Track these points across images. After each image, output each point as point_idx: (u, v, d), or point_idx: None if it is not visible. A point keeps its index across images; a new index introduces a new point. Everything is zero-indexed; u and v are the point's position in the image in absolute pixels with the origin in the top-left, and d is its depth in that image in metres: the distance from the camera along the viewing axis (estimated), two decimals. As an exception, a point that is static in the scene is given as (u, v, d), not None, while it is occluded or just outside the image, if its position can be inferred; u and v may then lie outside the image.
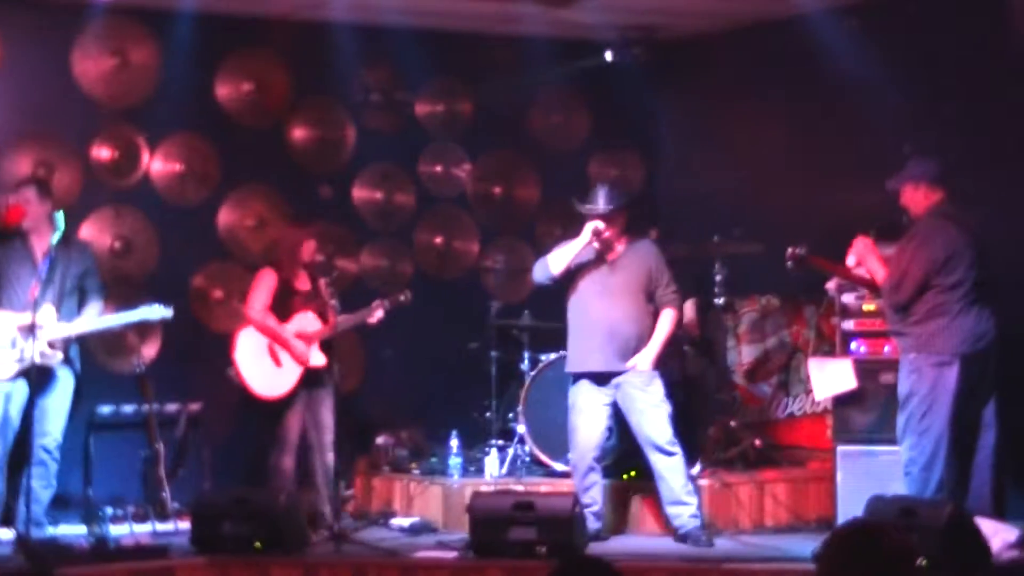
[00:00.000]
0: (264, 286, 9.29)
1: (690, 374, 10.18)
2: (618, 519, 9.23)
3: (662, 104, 11.26)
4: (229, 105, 10.47)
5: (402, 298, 9.41)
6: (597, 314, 8.71)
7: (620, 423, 8.92)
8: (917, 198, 8.23)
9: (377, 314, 9.32)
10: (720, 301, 10.12)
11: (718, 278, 10.06)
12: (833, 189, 9.99)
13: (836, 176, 9.95)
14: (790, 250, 8.36)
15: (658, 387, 8.70)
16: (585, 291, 8.79)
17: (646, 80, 11.14)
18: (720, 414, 10.13)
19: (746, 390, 10.81)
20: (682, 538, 8.67)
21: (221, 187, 10.43)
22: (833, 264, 8.59)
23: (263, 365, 9.24)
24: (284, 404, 9.22)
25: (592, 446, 8.72)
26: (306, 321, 9.27)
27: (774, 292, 10.62)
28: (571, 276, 8.82)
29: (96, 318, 9.00)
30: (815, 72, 9.95)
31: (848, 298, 9.03)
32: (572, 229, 10.96)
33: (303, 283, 9.40)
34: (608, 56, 10.77)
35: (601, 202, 8.74)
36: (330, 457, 9.22)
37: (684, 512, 8.65)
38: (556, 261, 8.79)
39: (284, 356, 9.21)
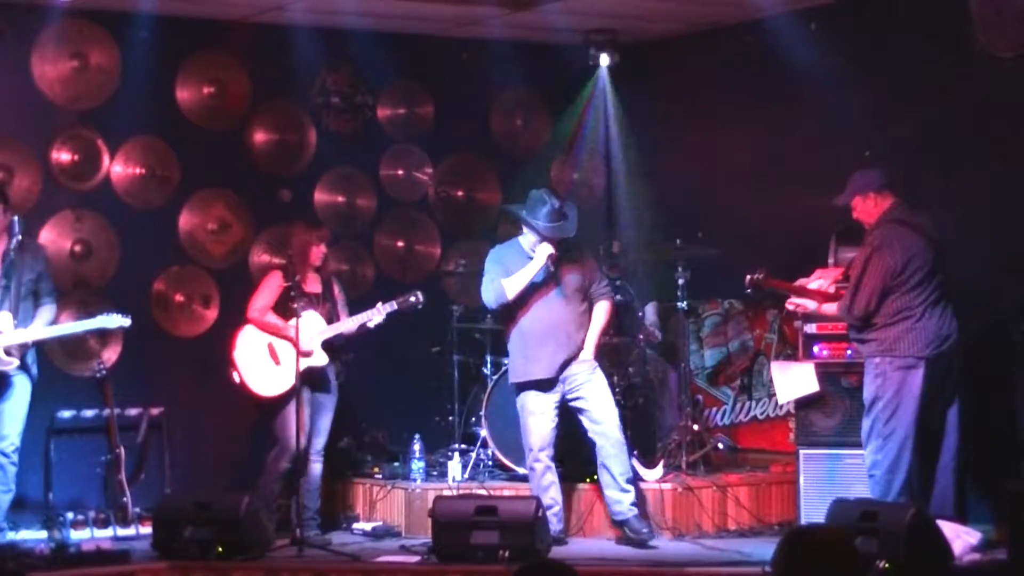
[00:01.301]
0: (269, 288, 9.34)
1: (652, 377, 10.24)
2: (580, 521, 9.28)
3: (624, 107, 11.25)
4: (189, 108, 10.42)
5: (412, 299, 9.41)
6: (540, 322, 8.88)
7: (572, 422, 9.01)
8: (868, 209, 8.31)
9: (377, 317, 9.32)
10: (682, 305, 10.12)
11: (680, 282, 10.05)
12: (796, 193, 10.00)
13: (798, 180, 9.98)
14: (748, 276, 8.43)
15: (601, 376, 8.94)
16: (529, 302, 8.90)
17: (607, 83, 11.18)
18: (682, 417, 10.12)
19: (708, 393, 10.86)
20: (620, 526, 8.77)
21: (182, 190, 10.37)
22: (789, 285, 8.67)
23: (262, 364, 9.27)
24: (284, 404, 9.19)
25: (546, 445, 8.83)
26: (311, 321, 9.25)
27: (736, 296, 10.63)
28: (521, 294, 8.90)
29: (54, 326, 8.95)
30: (777, 76, 9.99)
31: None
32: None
33: (313, 285, 9.41)
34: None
35: (570, 227, 8.84)
36: (318, 466, 9.25)
37: (625, 500, 8.78)
38: (512, 287, 8.87)
39: (284, 355, 9.21)
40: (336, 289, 9.53)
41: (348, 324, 9.32)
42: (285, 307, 9.23)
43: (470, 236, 11.49)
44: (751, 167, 10.54)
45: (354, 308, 9.60)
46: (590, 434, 8.90)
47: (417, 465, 9.79)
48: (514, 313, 8.94)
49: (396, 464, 10.11)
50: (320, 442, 9.28)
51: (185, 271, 10.37)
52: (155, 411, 9.79)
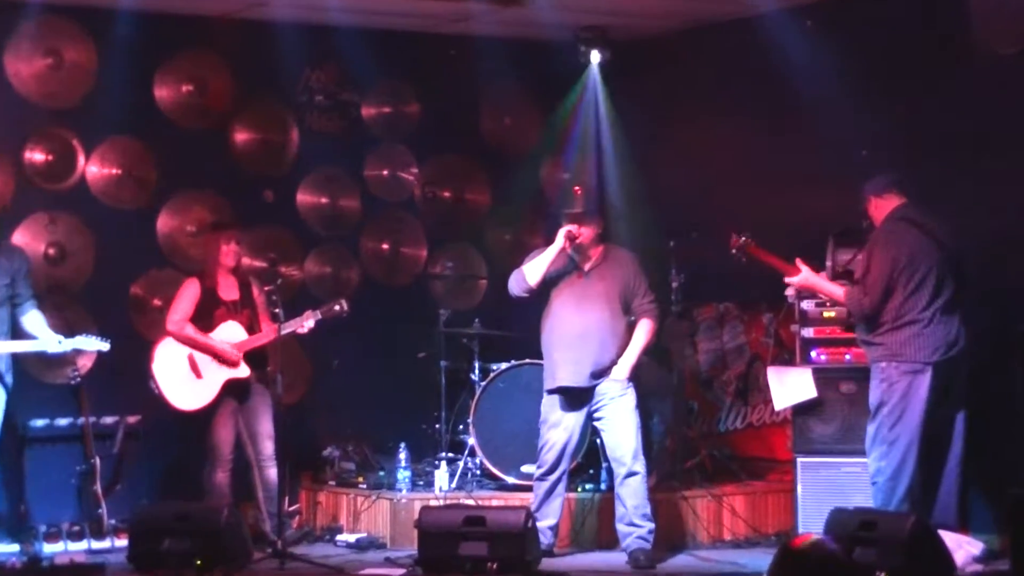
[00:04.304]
0: (186, 296, 9.22)
1: (645, 382, 10.12)
2: (575, 533, 9.21)
3: (616, 106, 11.20)
4: (169, 107, 10.37)
5: (336, 308, 9.30)
6: (571, 326, 8.60)
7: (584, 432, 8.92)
8: (873, 210, 8.32)
9: (308, 324, 9.21)
10: (676, 308, 10.09)
11: (674, 284, 10.02)
12: (791, 192, 9.98)
13: (795, 179, 9.95)
14: (734, 237, 8.35)
15: (631, 399, 8.64)
16: (559, 302, 8.68)
17: (599, 81, 11.14)
18: (676, 424, 10.10)
19: (703, 399, 10.83)
20: (626, 551, 8.61)
21: (160, 192, 10.33)
22: (780, 261, 8.51)
23: (183, 377, 9.16)
24: (212, 417, 9.14)
25: (563, 460, 8.65)
26: (229, 332, 9.17)
27: (732, 299, 10.65)
28: (546, 287, 8.70)
29: (24, 341, 8.88)
30: (772, 73, 9.93)
31: (808, 305, 9.03)
32: (524, 234, 10.99)
33: (229, 292, 9.31)
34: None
35: (576, 204, 8.68)
36: (272, 471, 9.15)
37: (634, 533, 8.58)
38: (532, 271, 8.64)
39: (205, 367, 9.14)
40: (256, 291, 9.38)
41: (269, 336, 9.18)
42: (204, 316, 9.16)
43: (457, 238, 11.47)
44: (746, 166, 10.48)
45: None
46: (608, 455, 8.77)
47: (403, 474, 9.72)
48: (545, 312, 8.76)
49: (381, 473, 10.05)
50: (268, 446, 9.21)
51: (163, 275, 10.28)
52: (132, 419, 9.70)
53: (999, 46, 8.80)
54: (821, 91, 9.60)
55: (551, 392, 8.67)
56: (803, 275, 8.34)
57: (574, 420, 8.63)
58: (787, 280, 8.50)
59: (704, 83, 10.80)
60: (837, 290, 8.28)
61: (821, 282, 8.39)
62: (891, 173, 8.38)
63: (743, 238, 8.36)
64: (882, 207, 8.25)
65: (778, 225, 9.74)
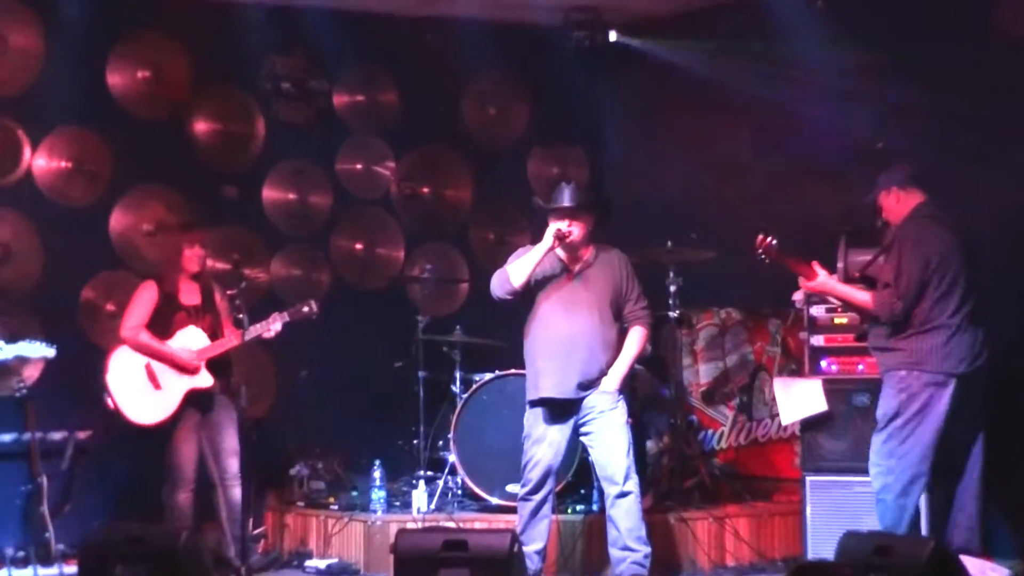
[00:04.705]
0: (141, 301, 9.18)
1: (641, 395, 10.12)
2: (564, 558, 9.16)
3: (609, 95, 11.18)
4: (122, 95, 10.34)
5: (305, 309, 9.25)
6: (558, 332, 8.50)
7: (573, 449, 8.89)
8: (892, 206, 8.27)
9: (275, 327, 9.18)
10: (674, 314, 10.03)
11: (672, 289, 9.97)
12: (801, 188, 9.98)
13: (804, 173, 9.95)
14: (761, 237, 8.22)
15: (621, 412, 8.55)
16: (546, 307, 8.56)
17: (591, 68, 11.16)
18: (674, 440, 10.06)
19: (703, 413, 10.82)
20: None
21: (113, 187, 10.29)
22: (800, 263, 8.44)
23: (140, 388, 9.11)
24: (172, 431, 9.10)
25: (549, 479, 8.59)
26: (190, 338, 9.14)
27: (734, 304, 10.65)
28: (532, 290, 8.65)
29: None
30: (779, 59, 9.94)
31: (817, 311, 9.00)
32: (509, 234, 10.98)
33: (190, 296, 9.28)
34: None
35: (566, 198, 8.58)
36: (236, 491, 9.11)
37: (628, 558, 8.49)
38: (516, 271, 8.54)
39: (165, 378, 9.10)
40: (219, 297, 9.36)
41: (233, 341, 9.15)
42: (162, 321, 9.13)
43: (437, 238, 11.47)
44: (751, 160, 10.52)
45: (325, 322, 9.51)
46: (598, 473, 8.73)
47: (377, 495, 9.71)
48: (530, 317, 8.70)
49: (354, 493, 10.04)
50: (232, 463, 9.18)
51: (117, 277, 10.24)
52: (82, 435, 9.62)
53: (1019, 32, 8.81)
54: (832, 77, 9.62)
55: (534, 404, 8.60)
56: (821, 279, 8.25)
57: (559, 435, 8.56)
58: (803, 284, 8.44)
59: (705, 70, 10.73)
60: (861, 295, 8.17)
61: (841, 287, 8.31)
62: (909, 167, 8.35)
63: (771, 239, 8.22)
64: (904, 202, 8.20)
65: (785, 223, 9.66)
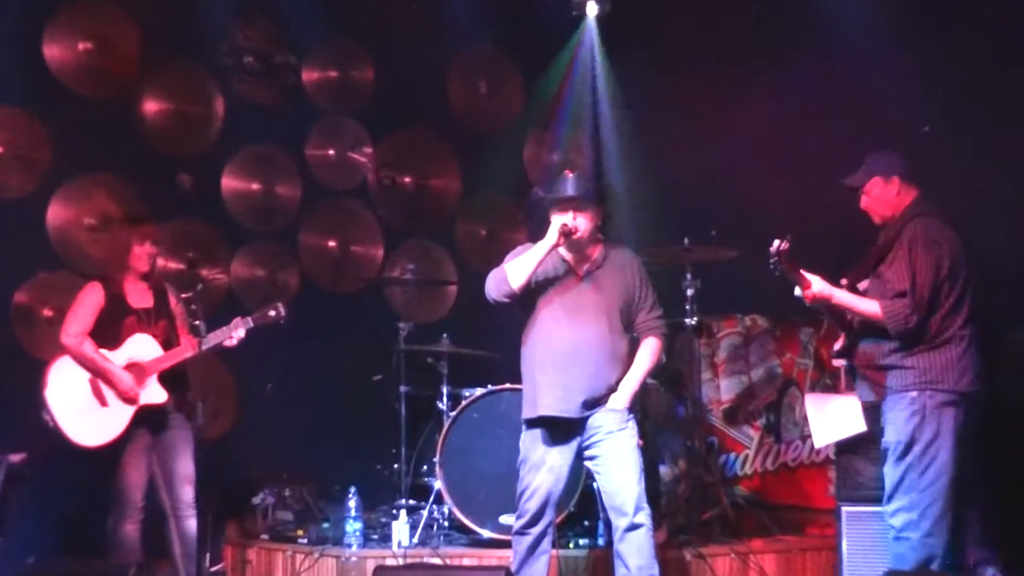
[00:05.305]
0: (85, 305, 9.10)
1: (653, 414, 10.15)
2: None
3: (614, 74, 11.25)
4: (62, 70, 10.29)
5: (272, 313, 9.20)
6: (561, 342, 8.42)
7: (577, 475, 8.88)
8: (887, 196, 8.17)
9: (237, 334, 9.14)
10: (691, 322, 10.03)
11: (689, 292, 9.98)
12: (831, 178, 9.93)
13: (838, 161, 9.90)
14: (776, 243, 8.12)
15: (631, 433, 8.49)
16: (547, 313, 8.48)
17: (595, 43, 11.18)
18: (691, 465, 10.07)
19: (725, 434, 10.83)
20: None
21: (52, 175, 10.25)
22: (798, 272, 8.37)
23: (83, 405, 9.04)
24: (119, 454, 9.03)
25: (548, 509, 8.54)
26: (141, 347, 9.09)
27: (760, 310, 10.66)
28: (532, 294, 8.60)
29: None
30: (809, 30, 10.01)
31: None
32: (502, 229, 10.96)
33: (140, 299, 9.22)
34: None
35: (571, 187, 8.53)
36: (191, 522, 9.07)
37: None
38: (515, 272, 8.47)
39: (112, 393, 9.05)
40: (173, 300, 9.31)
41: (189, 351, 9.09)
42: (108, 327, 9.06)
43: (421, 234, 11.51)
44: (777, 147, 10.48)
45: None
46: (604, 502, 8.68)
47: (353, 526, 9.64)
48: (529, 324, 8.65)
49: (326, 525, 10.01)
50: (187, 491, 9.13)
51: (56, 278, 10.21)
52: (16, 458, 9.53)
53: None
54: (870, 52, 9.65)
55: (532, 424, 8.54)
56: (817, 287, 8.15)
57: (561, 459, 8.48)
58: (800, 293, 8.32)
59: (725, 43, 10.82)
60: (868, 304, 8.05)
61: (844, 295, 8.18)
62: (903, 155, 8.31)
63: (783, 245, 8.08)
64: (904, 195, 8.13)
65: (819, 219, 9.74)
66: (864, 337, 8.05)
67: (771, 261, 7.99)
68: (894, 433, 7.97)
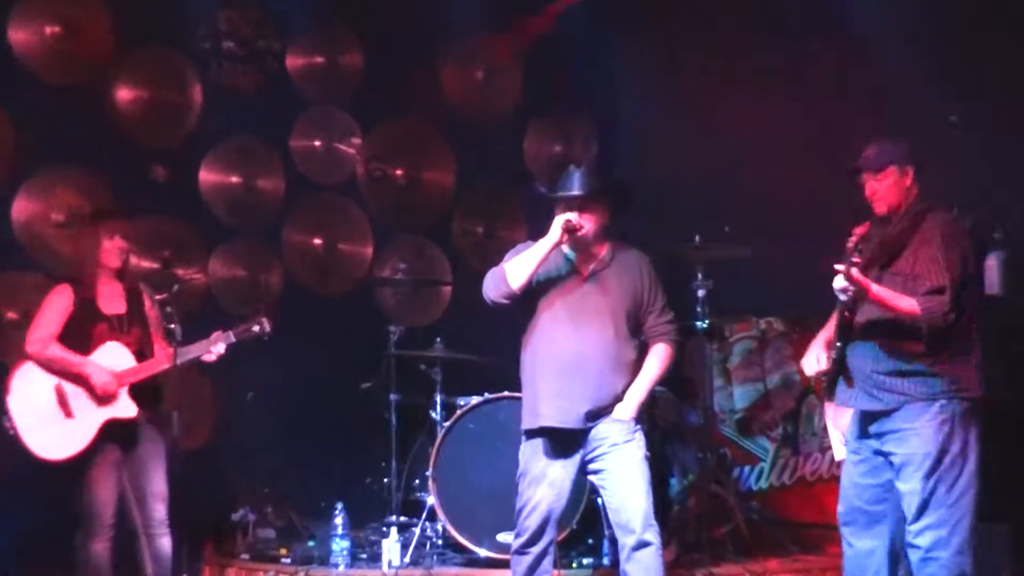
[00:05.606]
0: (53, 309, 9.04)
1: (662, 424, 10.11)
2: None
3: (621, 57, 11.22)
4: (28, 55, 10.26)
5: (256, 328, 9.12)
6: (564, 348, 8.37)
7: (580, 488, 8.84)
8: (901, 186, 8.06)
9: (217, 349, 9.08)
10: (702, 325, 10.04)
11: (700, 293, 9.99)
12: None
13: (854, 153, 9.89)
14: (854, 235, 8.04)
15: (638, 445, 8.43)
16: (549, 316, 8.43)
17: (600, 25, 11.19)
18: (702, 478, 10.06)
19: (738, 446, 10.84)
20: None
21: (17, 168, 10.23)
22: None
23: (47, 415, 8.97)
24: (87, 469, 8.97)
25: (549, 527, 8.50)
26: (112, 356, 9.03)
27: (776, 312, 10.65)
28: (533, 295, 8.56)
29: None
30: (823, 17, 10.03)
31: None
32: (501, 226, 10.92)
33: (112, 304, 9.16)
34: None
35: (577, 184, 8.49)
36: (164, 540, 9.01)
37: None
38: (516, 271, 8.40)
39: (78, 403, 8.97)
40: (148, 304, 9.23)
41: (164, 362, 9.04)
42: (78, 336, 9.01)
43: (413, 231, 11.49)
44: (794, 138, 10.46)
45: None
46: (610, 519, 8.64)
47: (339, 545, 9.64)
48: (529, 328, 8.58)
49: (311, 543, 10.00)
50: (160, 509, 9.07)
51: (21, 279, 10.21)
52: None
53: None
54: (894, 37, 9.66)
55: (532, 435, 8.49)
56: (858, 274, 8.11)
57: (563, 473, 8.43)
58: (844, 272, 8.21)
59: (739, 24, 10.82)
60: (905, 301, 8.00)
61: (880, 288, 8.13)
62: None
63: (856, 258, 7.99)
64: (914, 188, 8.05)
65: (843, 214, 9.67)
66: (870, 340, 7.96)
67: (854, 251, 7.90)
68: (920, 445, 7.85)
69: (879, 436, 7.81)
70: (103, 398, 8.85)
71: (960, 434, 7.75)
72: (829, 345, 7.93)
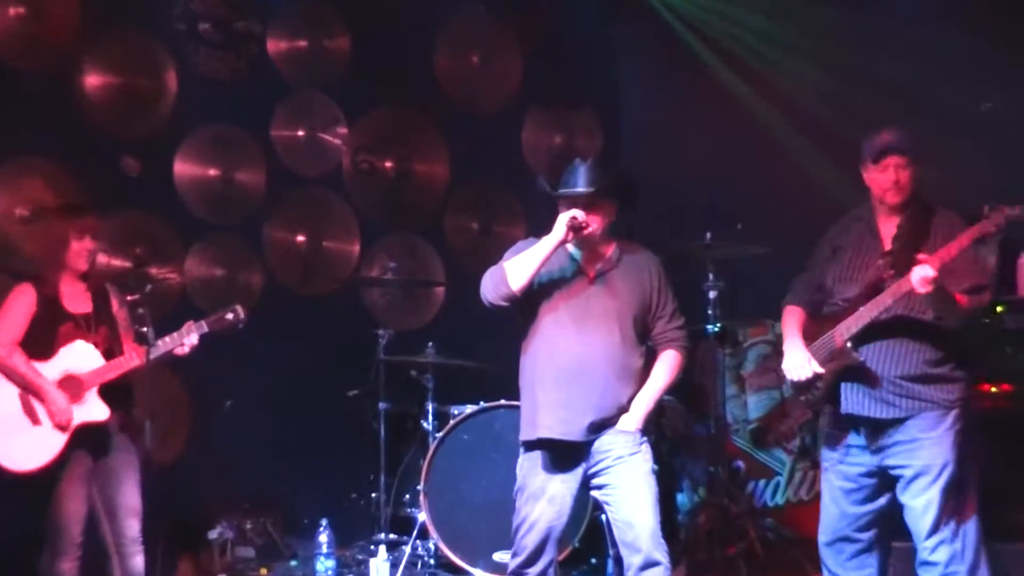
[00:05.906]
0: (15, 309, 8.98)
1: (670, 434, 10.13)
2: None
3: (626, 43, 11.30)
4: (-11, 38, 10.24)
5: (230, 316, 9.07)
6: (566, 354, 8.28)
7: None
8: (912, 180, 8.09)
9: (189, 340, 9.03)
10: (713, 328, 10.04)
11: (711, 295, 10.00)
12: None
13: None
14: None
15: (645, 458, 8.37)
16: (552, 320, 8.34)
17: (604, 9, 11.26)
18: (714, 493, 10.06)
19: (753, 458, 10.82)
20: None
21: (-21, 160, 10.19)
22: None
23: (13, 423, 8.89)
24: (55, 482, 8.89)
25: (548, 545, 8.44)
26: (78, 356, 8.97)
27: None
28: (535, 297, 8.50)
29: None
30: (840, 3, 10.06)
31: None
32: (498, 223, 10.88)
33: (78, 302, 9.11)
34: None
35: (581, 182, 8.44)
36: (137, 559, 8.95)
37: None
38: (516, 271, 8.33)
39: (46, 409, 8.96)
40: (116, 304, 9.17)
41: (135, 361, 8.99)
42: (42, 334, 8.93)
43: (403, 227, 11.48)
44: (814, 129, 10.45)
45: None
46: (615, 537, 8.59)
47: (324, 564, 9.68)
48: (529, 333, 8.54)
49: (294, 563, 10.03)
50: (132, 525, 9.02)
51: (-17, 278, 10.11)
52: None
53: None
54: (922, 21, 9.70)
55: (530, 447, 8.42)
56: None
57: (564, 488, 8.35)
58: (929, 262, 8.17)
59: (755, 9, 10.86)
60: (963, 298, 8.06)
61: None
62: None
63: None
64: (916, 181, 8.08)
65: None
66: (890, 342, 7.89)
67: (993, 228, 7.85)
68: (939, 454, 7.82)
69: (881, 451, 7.81)
70: (58, 423, 8.81)
71: (969, 441, 7.79)
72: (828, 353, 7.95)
